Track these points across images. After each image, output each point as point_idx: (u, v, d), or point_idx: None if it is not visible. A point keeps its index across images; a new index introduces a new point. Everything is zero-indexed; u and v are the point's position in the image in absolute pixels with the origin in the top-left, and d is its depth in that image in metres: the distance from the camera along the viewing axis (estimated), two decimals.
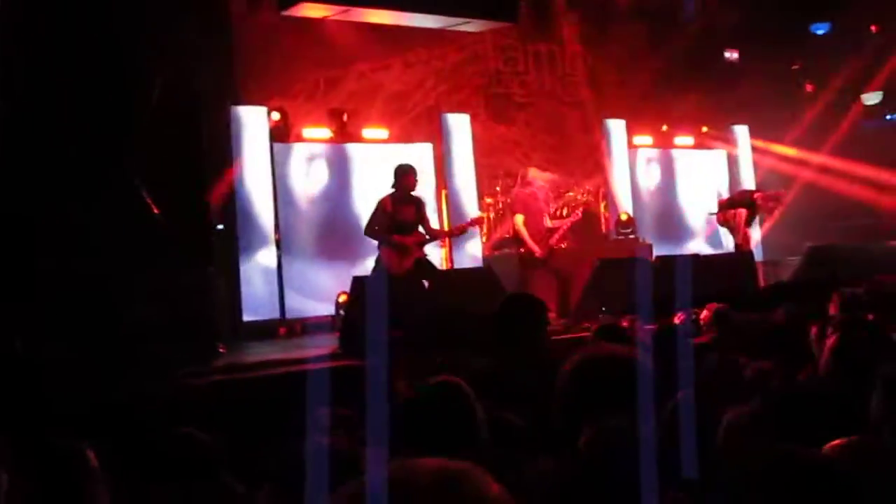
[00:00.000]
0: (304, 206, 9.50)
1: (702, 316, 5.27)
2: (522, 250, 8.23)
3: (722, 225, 10.12)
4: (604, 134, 11.77)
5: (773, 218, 10.82)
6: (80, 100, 5.43)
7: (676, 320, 5.14)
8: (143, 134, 6.34)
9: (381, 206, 7.58)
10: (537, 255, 8.14)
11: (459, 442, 2.20)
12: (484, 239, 10.31)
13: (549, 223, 8.37)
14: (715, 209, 10.28)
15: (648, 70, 12.22)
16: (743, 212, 9.63)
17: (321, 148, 9.78)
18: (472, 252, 10.19)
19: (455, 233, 8.69)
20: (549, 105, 11.99)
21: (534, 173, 8.53)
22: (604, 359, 2.09)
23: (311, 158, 9.66)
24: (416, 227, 7.63)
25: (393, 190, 7.62)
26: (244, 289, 8.79)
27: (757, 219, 10.36)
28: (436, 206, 10.03)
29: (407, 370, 4.33)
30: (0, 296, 5.05)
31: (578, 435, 1.98)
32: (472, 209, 10.40)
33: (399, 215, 7.50)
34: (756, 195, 9.88)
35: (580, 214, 9.01)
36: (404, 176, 7.61)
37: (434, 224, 8.46)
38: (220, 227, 8.56)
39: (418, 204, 7.71)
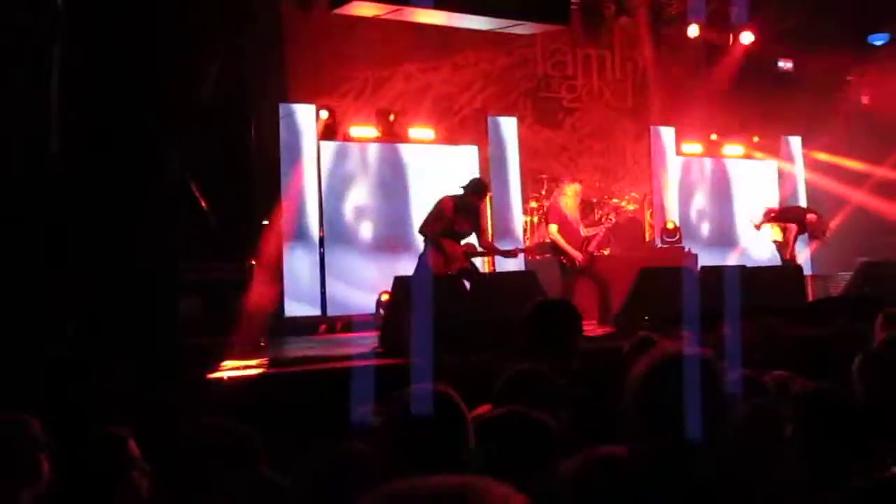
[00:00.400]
0: (348, 205, 9.55)
1: None
2: (563, 259, 8.20)
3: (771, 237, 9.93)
4: (652, 141, 11.63)
5: (822, 244, 10.53)
6: (131, 95, 5.51)
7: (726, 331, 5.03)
8: (193, 129, 6.41)
9: (442, 207, 7.48)
10: (578, 262, 8.10)
11: (447, 454, 2.17)
12: (527, 242, 10.27)
13: (583, 231, 8.34)
14: (759, 219, 10.06)
15: (699, 77, 12.06)
16: (793, 227, 9.44)
17: (368, 147, 9.82)
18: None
19: (505, 254, 8.63)
20: (598, 110, 11.90)
21: (563, 192, 8.46)
22: (679, 359, 2.06)
23: (357, 157, 9.70)
24: (469, 237, 7.59)
25: (460, 193, 7.57)
26: (287, 284, 8.87)
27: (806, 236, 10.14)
28: (485, 213, 10.01)
29: (448, 371, 4.31)
30: (47, 289, 5.14)
31: (655, 437, 1.96)
32: (516, 212, 10.37)
33: (457, 224, 7.45)
34: (808, 216, 9.66)
35: (612, 221, 9.02)
36: (478, 195, 7.58)
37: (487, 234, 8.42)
38: (266, 222, 8.63)
39: (478, 216, 7.67)
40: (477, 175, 8.83)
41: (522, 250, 8.86)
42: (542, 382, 2.96)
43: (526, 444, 2.36)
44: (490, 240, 8.31)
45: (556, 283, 8.14)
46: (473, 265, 7.67)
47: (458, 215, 7.46)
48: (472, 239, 7.68)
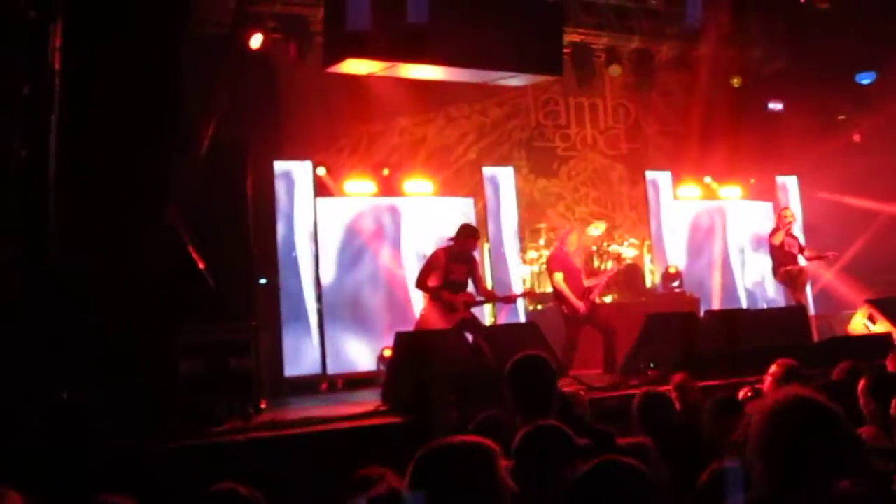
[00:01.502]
0: (347, 260, 9.50)
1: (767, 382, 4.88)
2: (566, 309, 8.12)
3: (783, 283, 9.85)
4: (648, 186, 11.65)
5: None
6: (127, 152, 5.51)
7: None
8: (189, 187, 6.41)
9: (436, 259, 7.46)
10: (581, 312, 8.04)
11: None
12: (526, 286, 10.20)
13: (586, 282, 8.30)
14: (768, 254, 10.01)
15: (692, 121, 12.12)
16: (806, 268, 9.42)
17: (364, 202, 9.82)
18: (516, 307, 10.06)
19: (504, 300, 8.58)
20: (592, 157, 11.95)
21: (572, 238, 8.48)
22: (807, 406, 2.00)
23: (354, 212, 9.68)
24: (467, 287, 7.53)
25: (451, 243, 7.54)
26: (286, 344, 8.78)
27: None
28: (479, 260, 9.97)
29: (453, 426, 4.23)
30: (45, 349, 5.08)
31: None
32: (514, 263, 10.32)
33: (452, 274, 7.40)
34: (807, 257, 9.64)
35: (615, 269, 9.04)
36: (469, 239, 7.52)
37: (484, 281, 8.37)
38: (264, 281, 8.58)
39: (472, 263, 7.62)
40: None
41: (521, 295, 8.82)
42: (562, 439, 2.88)
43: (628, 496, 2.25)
44: (487, 287, 8.25)
45: (561, 333, 8.06)
46: (474, 316, 7.60)
47: (452, 264, 7.42)
48: (470, 288, 7.62)
